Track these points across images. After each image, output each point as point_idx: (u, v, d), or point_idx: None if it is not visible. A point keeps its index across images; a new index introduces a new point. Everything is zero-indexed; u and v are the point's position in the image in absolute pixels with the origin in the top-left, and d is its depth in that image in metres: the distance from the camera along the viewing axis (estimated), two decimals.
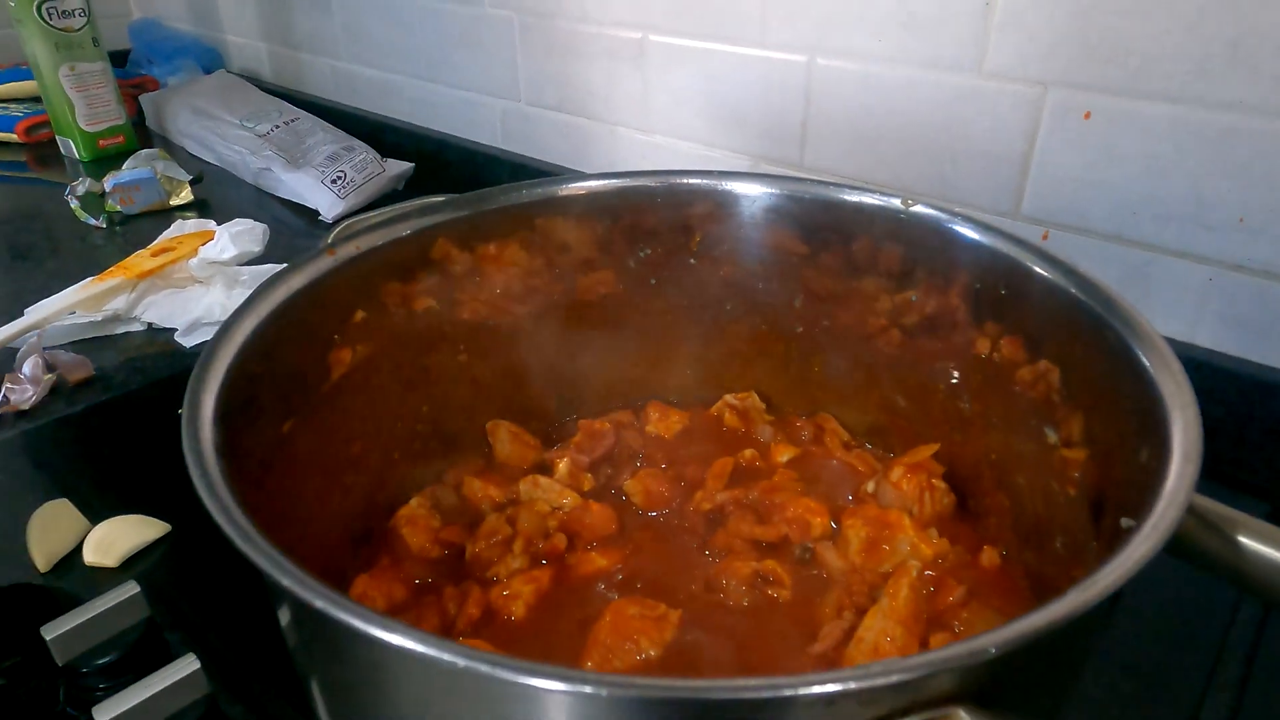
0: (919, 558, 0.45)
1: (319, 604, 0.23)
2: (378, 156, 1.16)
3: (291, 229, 1.09)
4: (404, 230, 0.47)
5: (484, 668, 0.21)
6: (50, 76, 1.24)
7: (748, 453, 0.55)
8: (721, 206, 0.53)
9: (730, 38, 0.84)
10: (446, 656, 0.21)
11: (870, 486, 0.51)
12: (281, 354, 0.40)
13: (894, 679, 0.22)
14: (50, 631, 0.49)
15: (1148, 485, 0.30)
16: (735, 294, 0.56)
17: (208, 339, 0.94)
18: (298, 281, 0.41)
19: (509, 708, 0.23)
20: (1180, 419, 0.31)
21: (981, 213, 0.73)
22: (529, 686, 0.22)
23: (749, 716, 0.22)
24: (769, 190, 0.52)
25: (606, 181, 0.52)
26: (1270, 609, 0.48)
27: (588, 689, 0.21)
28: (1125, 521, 0.28)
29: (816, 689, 0.21)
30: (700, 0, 0.85)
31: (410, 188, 1.18)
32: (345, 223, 0.47)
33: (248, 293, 0.98)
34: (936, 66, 0.71)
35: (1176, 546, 0.31)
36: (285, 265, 0.42)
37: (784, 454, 0.55)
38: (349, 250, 0.43)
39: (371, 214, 0.47)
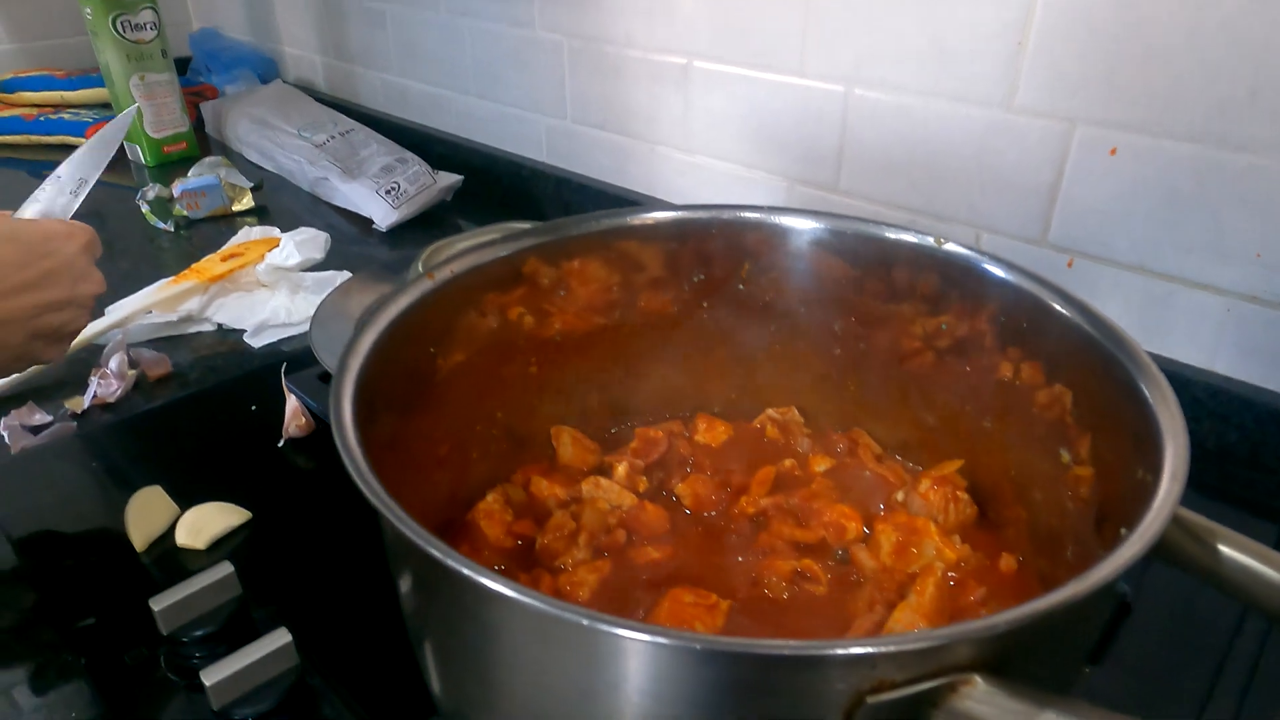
0: (944, 560, 0.50)
1: (450, 563, 0.29)
2: (429, 168, 1.20)
3: (346, 236, 1.13)
4: (490, 256, 0.53)
5: (584, 621, 0.28)
6: (121, 85, 1.31)
7: (788, 462, 0.59)
8: (770, 239, 0.58)
9: (771, 66, 0.88)
10: (553, 610, 0.28)
11: (900, 496, 0.56)
12: (391, 369, 0.45)
13: (924, 645, 0.28)
14: (158, 604, 0.54)
15: (1142, 500, 0.35)
16: (779, 318, 0.61)
17: (274, 340, 0.98)
18: (404, 301, 0.47)
19: (595, 655, 0.29)
20: (1172, 444, 0.36)
21: (1010, 239, 0.76)
22: (617, 636, 0.27)
23: (803, 674, 0.28)
24: (815, 225, 0.57)
25: (668, 214, 0.58)
26: (1272, 622, 0.52)
27: (662, 640, 0.27)
28: (1124, 531, 0.33)
29: (857, 650, 0.27)
30: (743, 30, 0.89)
31: (459, 199, 1.21)
32: (431, 247, 0.53)
33: (311, 297, 1.02)
34: (968, 101, 0.74)
35: (1166, 553, 0.36)
36: (392, 289, 0.47)
37: (821, 464, 0.59)
38: (445, 275, 0.49)
39: (458, 236, 0.53)
